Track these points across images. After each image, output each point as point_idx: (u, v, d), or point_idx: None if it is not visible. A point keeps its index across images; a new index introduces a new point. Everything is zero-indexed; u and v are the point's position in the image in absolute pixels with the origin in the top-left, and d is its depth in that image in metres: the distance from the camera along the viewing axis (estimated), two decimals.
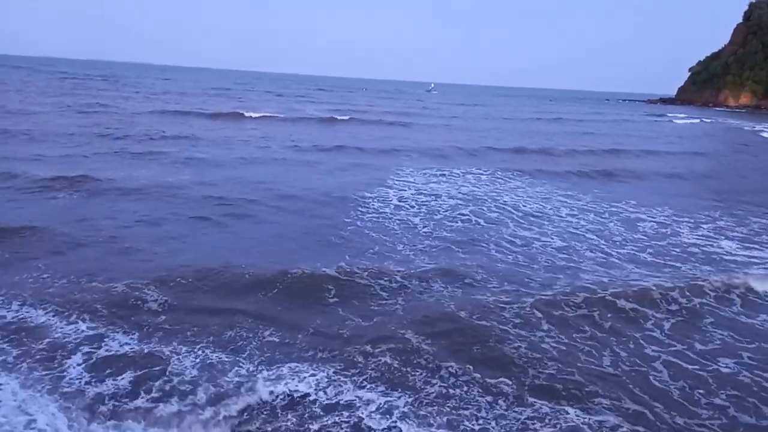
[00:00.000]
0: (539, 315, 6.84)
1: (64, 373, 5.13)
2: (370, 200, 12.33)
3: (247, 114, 32.38)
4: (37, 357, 5.30)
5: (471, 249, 9.33)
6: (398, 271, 7.90)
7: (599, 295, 7.44)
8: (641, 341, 6.49)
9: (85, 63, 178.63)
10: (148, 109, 32.24)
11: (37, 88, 44.49)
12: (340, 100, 60.54)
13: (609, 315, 7.04)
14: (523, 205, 12.95)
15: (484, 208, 12.37)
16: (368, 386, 5.30)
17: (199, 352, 5.57)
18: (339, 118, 33.88)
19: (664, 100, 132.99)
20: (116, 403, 4.78)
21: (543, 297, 7.29)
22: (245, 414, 4.81)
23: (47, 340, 5.62)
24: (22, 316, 6.07)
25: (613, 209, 13.18)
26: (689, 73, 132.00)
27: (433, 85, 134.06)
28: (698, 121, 59.14)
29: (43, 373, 5.08)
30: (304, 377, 5.35)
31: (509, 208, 12.49)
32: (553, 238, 10.26)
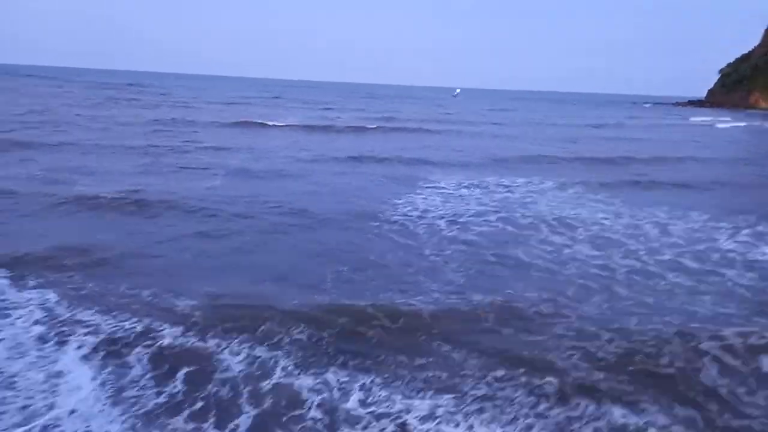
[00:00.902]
0: None
1: None
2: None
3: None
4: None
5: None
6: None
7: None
8: None
9: (91, 72, 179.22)
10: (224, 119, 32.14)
11: (98, 99, 44.82)
12: (384, 107, 59.55)
13: None
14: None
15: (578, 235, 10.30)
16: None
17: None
18: (390, 126, 33.12)
19: (693, 103, 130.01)
20: None
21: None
22: None
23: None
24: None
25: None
26: (719, 75, 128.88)
27: (458, 90, 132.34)
28: (745, 125, 56.62)
29: None
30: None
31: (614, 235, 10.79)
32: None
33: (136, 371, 4.97)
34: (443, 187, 14.57)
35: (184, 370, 5.00)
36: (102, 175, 14.01)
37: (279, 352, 5.39)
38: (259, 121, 32.24)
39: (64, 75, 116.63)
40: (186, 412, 4.47)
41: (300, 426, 4.41)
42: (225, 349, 5.40)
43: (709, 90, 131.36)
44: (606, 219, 11.50)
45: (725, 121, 58.95)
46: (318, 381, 4.95)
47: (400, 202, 12.43)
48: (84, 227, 9.49)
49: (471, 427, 4.41)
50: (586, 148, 27.34)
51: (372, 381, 4.99)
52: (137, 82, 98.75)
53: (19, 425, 4.16)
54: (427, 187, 14.47)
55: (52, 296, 6.35)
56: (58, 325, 5.67)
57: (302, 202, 11.84)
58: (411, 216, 11.11)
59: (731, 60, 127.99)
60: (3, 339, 5.37)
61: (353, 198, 12.89)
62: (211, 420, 4.40)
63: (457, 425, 4.43)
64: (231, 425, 4.36)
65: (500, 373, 5.17)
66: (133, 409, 4.46)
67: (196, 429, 4.29)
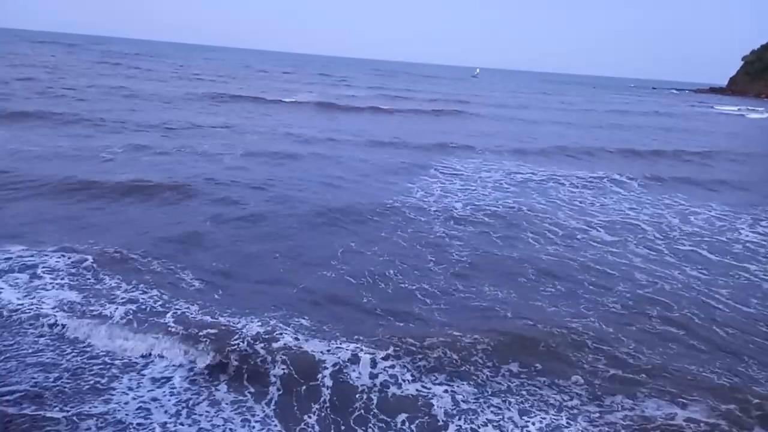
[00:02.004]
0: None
1: None
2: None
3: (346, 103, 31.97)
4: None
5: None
6: None
7: None
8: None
9: (96, 39, 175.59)
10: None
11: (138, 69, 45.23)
12: (403, 85, 59.43)
13: None
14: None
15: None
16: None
17: None
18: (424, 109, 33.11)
19: (714, 90, 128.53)
20: None
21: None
22: None
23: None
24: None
25: None
26: (741, 63, 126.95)
27: (478, 71, 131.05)
28: None
29: None
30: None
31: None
32: None
33: None
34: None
35: None
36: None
37: None
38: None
39: (59, 40, 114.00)
40: None
41: None
42: None
43: (731, 78, 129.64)
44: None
45: (758, 111, 58.56)
46: None
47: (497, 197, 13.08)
48: None
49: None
50: (660, 139, 27.56)
51: None
52: (143, 51, 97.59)
53: None
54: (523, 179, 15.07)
55: None
56: None
57: None
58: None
59: (755, 47, 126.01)
60: None
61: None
62: None
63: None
64: None
65: None
66: None
67: None
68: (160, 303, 6.28)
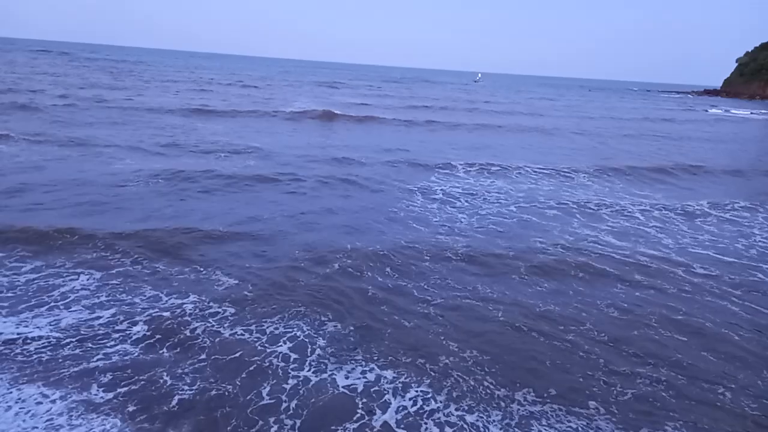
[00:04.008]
0: None
1: None
2: None
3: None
4: None
5: None
6: None
7: None
8: None
9: (80, 46, 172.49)
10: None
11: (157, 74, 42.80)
12: (414, 93, 57.95)
13: None
14: None
15: None
16: None
17: None
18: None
19: (709, 92, 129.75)
20: None
21: None
22: None
23: None
24: None
25: None
26: (735, 65, 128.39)
27: (480, 75, 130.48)
28: None
29: None
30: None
31: None
32: None
33: None
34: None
35: None
36: None
37: None
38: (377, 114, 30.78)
39: (55, 49, 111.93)
40: None
41: None
42: None
43: (725, 79, 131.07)
44: None
45: (763, 113, 58.64)
46: None
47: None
48: None
49: None
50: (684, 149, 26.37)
51: None
52: (141, 59, 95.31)
53: None
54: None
55: None
56: None
57: None
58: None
59: (749, 49, 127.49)
60: None
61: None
62: None
63: None
64: None
65: None
66: None
67: None
68: None
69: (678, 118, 48.76)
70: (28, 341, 5.54)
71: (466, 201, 12.87)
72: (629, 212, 12.90)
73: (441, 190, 13.76)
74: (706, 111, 63.00)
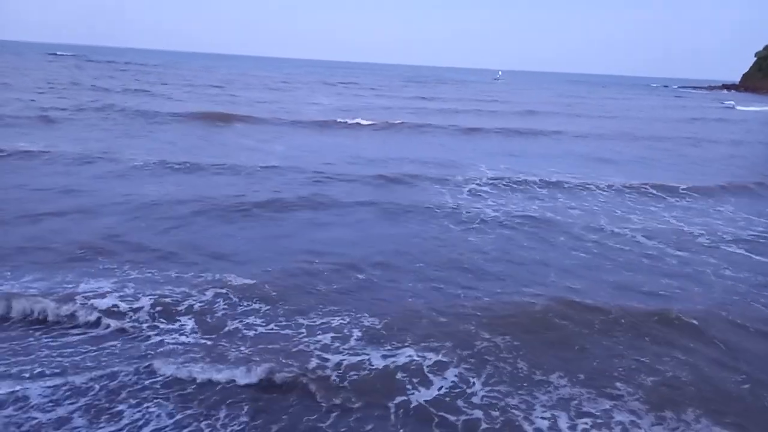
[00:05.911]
0: None
1: None
2: None
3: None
4: None
5: None
6: None
7: None
8: None
9: (89, 49, 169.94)
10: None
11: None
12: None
13: None
14: None
15: None
16: None
17: None
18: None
19: (727, 87, 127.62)
20: None
21: None
22: None
23: None
24: None
25: None
26: (754, 59, 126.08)
27: (500, 73, 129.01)
28: None
29: None
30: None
31: None
32: None
33: None
34: None
35: None
36: None
37: None
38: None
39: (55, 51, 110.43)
40: None
41: None
42: None
43: (744, 74, 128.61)
44: None
45: None
46: None
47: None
48: None
49: None
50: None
51: None
52: (176, 62, 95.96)
53: None
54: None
55: None
56: None
57: None
58: None
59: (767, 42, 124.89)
60: None
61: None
62: None
63: None
64: None
65: None
66: None
67: None
68: None
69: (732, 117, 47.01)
70: None
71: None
72: None
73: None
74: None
